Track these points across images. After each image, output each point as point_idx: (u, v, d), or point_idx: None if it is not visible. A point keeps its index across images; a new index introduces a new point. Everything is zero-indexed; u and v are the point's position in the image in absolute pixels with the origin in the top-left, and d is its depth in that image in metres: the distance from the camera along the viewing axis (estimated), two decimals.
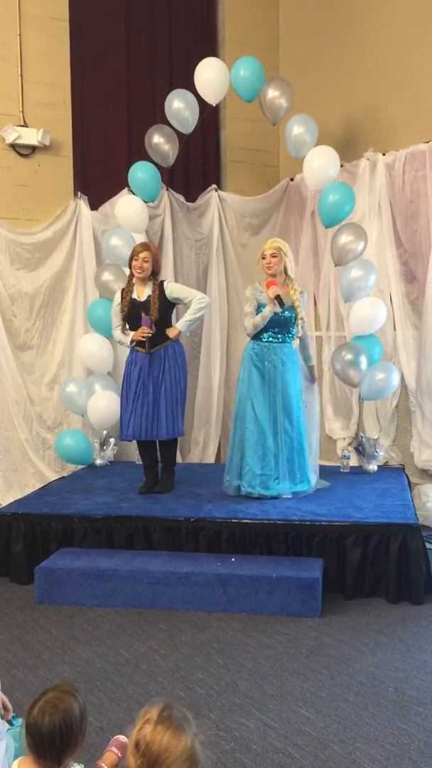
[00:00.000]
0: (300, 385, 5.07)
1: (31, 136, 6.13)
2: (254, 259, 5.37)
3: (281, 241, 5.06)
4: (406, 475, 5.72)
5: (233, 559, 4.34)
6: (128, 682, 3.35)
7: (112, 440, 6.26)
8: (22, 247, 6.21)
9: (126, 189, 6.39)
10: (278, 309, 4.89)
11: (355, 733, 2.88)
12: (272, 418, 4.95)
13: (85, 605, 4.22)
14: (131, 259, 5.14)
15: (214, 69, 5.98)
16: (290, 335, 4.99)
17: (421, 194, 5.82)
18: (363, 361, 5.50)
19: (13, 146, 6.17)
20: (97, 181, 6.56)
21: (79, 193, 6.47)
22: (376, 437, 5.97)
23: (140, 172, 6.12)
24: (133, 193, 6.23)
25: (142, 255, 5.07)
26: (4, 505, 5.45)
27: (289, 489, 4.95)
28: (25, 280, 6.25)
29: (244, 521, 4.52)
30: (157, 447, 5.35)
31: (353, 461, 5.95)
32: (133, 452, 6.18)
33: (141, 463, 5.51)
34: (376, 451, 5.77)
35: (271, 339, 4.99)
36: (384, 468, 5.92)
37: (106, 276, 6.04)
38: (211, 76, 5.96)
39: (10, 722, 2.36)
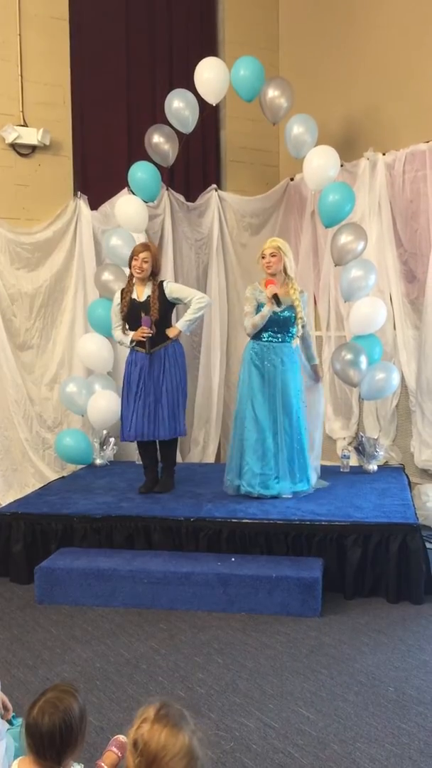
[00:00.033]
0: (300, 385, 5.07)
1: (31, 136, 6.13)
2: (254, 259, 5.37)
3: (281, 240, 5.06)
4: (406, 475, 5.72)
5: (233, 559, 4.34)
6: (128, 681, 3.35)
7: (111, 440, 6.26)
8: (22, 246, 6.21)
9: (126, 189, 6.39)
10: (276, 308, 4.89)
11: (355, 733, 2.88)
12: (272, 417, 4.95)
13: (85, 605, 4.21)
14: (131, 259, 5.14)
15: (214, 69, 5.98)
16: (290, 335, 4.99)
17: (421, 194, 5.82)
18: (363, 360, 5.50)
19: (13, 146, 6.17)
20: (97, 180, 6.56)
21: (79, 192, 6.47)
22: (376, 437, 5.97)
23: (140, 172, 6.12)
24: (133, 193, 6.23)
25: (141, 255, 5.07)
26: (4, 504, 5.45)
27: (288, 488, 4.95)
28: (25, 279, 6.25)
29: (244, 521, 4.52)
30: (157, 447, 5.35)
31: (353, 461, 5.95)
32: (132, 452, 6.18)
33: (141, 462, 5.51)
34: (376, 451, 5.77)
35: (270, 338, 4.99)
36: (384, 468, 5.92)
37: (106, 276, 6.04)
38: (211, 75, 5.96)
39: (10, 722, 2.36)
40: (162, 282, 5.19)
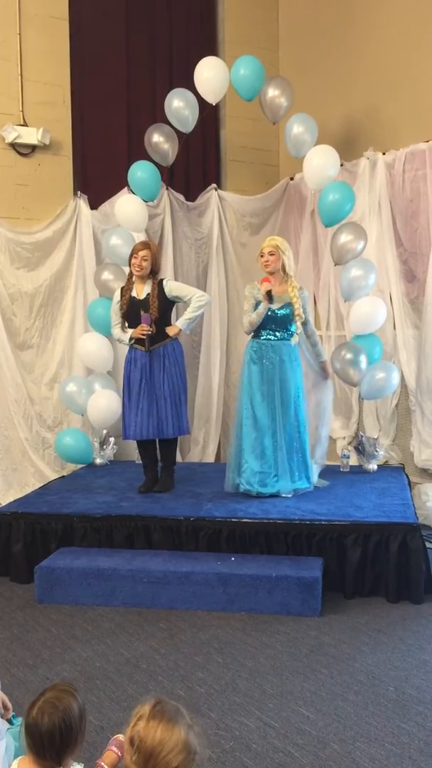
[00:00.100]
0: (301, 382, 5.07)
1: (30, 136, 6.13)
2: (254, 259, 5.37)
3: (279, 239, 5.07)
4: (406, 475, 5.72)
5: (233, 559, 4.34)
6: (128, 681, 3.35)
7: (111, 439, 6.26)
8: (22, 246, 6.21)
9: (126, 188, 6.39)
10: (269, 305, 4.89)
11: (355, 732, 2.88)
12: (271, 416, 4.95)
13: (85, 604, 4.21)
14: (131, 257, 5.15)
15: (214, 68, 5.98)
16: (289, 332, 4.99)
17: (421, 193, 5.81)
18: (363, 360, 5.50)
19: (13, 145, 6.17)
20: (97, 180, 6.56)
21: (79, 192, 6.47)
22: (376, 436, 5.97)
23: (140, 172, 6.12)
24: (133, 193, 6.23)
25: (141, 253, 5.08)
26: (4, 504, 5.45)
27: (287, 487, 4.95)
28: (25, 279, 6.25)
29: (244, 520, 4.52)
30: (157, 446, 5.35)
31: (353, 460, 5.95)
32: (132, 451, 6.18)
33: (141, 462, 5.51)
34: (376, 451, 5.77)
35: (269, 336, 5.00)
36: (384, 467, 5.92)
37: (106, 275, 6.04)
38: (210, 75, 5.96)
39: (10, 721, 2.36)
40: (162, 280, 5.19)
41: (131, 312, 5.12)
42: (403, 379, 5.96)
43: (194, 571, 4.17)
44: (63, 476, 6.01)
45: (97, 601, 4.22)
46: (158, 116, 6.32)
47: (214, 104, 6.12)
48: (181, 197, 6.88)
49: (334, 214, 5.70)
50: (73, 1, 6.37)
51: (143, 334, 5.04)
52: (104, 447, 6.24)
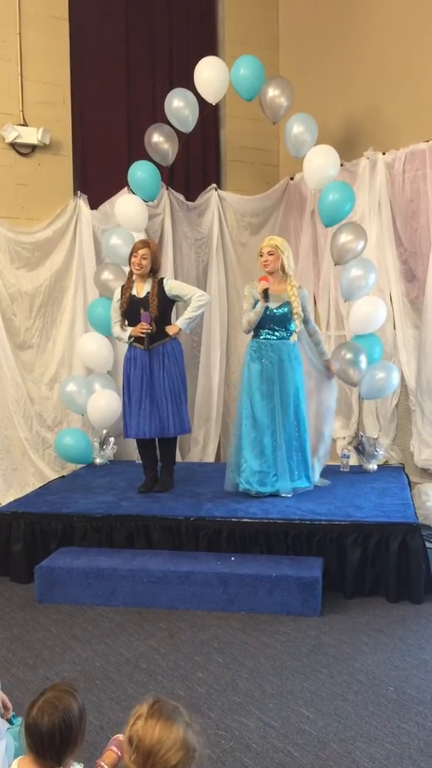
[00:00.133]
0: (302, 381, 5.07)
1: (30, 135, 6.13)
2: (254, 258, 5.37)
3: (279, 239, 5.07)
4: (406, 474, 5.72)
5: (233, 558, 4.34)
6: (128, 681, 3.35)
7: (111, 439, 6.27)
8: (22, 246, 6.21)
9: (126, 188, 6.39)
10: (265, 303, 4.90)
11: (355, 732, 2.88)
12: (270, 415, 4.95)
13: (85, 604, 4.22)
14: (130, 256, 5.16)
15: (214, 68, 5.98)
16: (288, 331, 4.99)
17: (421, 193, 5.81)
18: (363, 360, 5.50)
19: (13, 145, 6.17)
20: (97, 180, 6.56)
21: (79, 192, 6.47)
22: (375, 436, 5.98)
23: (140, 172, 6.12)
24: (133, 193, 6.23)
25: (141, 252, 5.08)
26: (4, 504, 5.45)
27: (287, 486, 4.95)
28: (25, 279, 6.25)
29: (244, 520, 4.52)
30: (156, 446, 5.35)
31: (353, 460, 5.95)
32: (132, 451, 6.18)
33: (141, 462, 5.51)
34: (376, 451, 5.77)
35: (268, 336, 5.00)
36: (384, 467, 5.92)
37: (106, 275, 6.04)
38: (210, 75, 5.96)
39: (10, 721, 2.36)
40: (162, 279, 5.19)
41: (131, 310, 5.12)
42: (403, 379, 5.96)
43: (194, 570, 4.17)
44: (63, 476, 6.01)
45: (97, 600, 4.22)
46: (158, 116, 6.32)
47: (214, 104, 6.12)
48: (181, 197, 6.88)
49: (334, 214, 5.70)
50: (73, 1, 6.37)
51: (143, 333, 5.04)
52: (104, 447, 6.24)
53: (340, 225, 5.70)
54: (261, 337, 5.02)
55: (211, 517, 4.60)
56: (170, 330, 5.13)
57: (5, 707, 2.37)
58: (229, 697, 3.18)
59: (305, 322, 5.06)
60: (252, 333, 5.07)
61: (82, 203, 6.43)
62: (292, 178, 7.03)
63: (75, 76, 6.44)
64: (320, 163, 5.80)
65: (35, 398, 6.34)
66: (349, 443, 6.35)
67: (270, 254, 4.94)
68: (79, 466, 6.21)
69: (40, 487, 5.64)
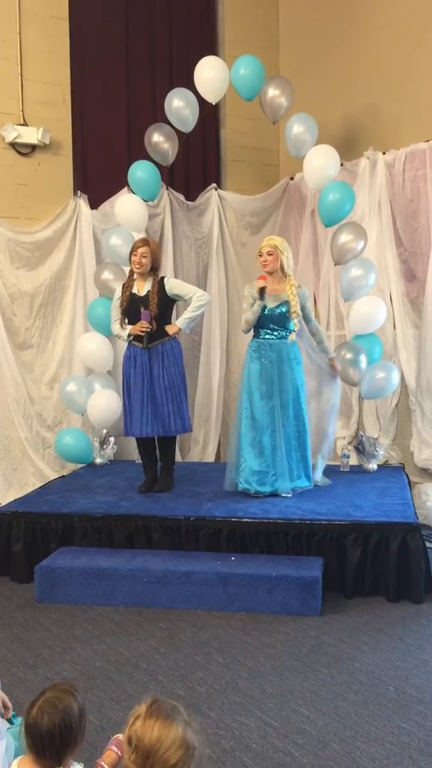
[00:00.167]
0: (302, 381, 5.07)
1: (30, 135, 6.13)
2: (254, 258, 5.37)
3: (278, 238, 5.07)
4: (406, 474, 5.72)
5: (233, 558, 4.34)
6: (128, 680, 3.35)
7: (111, 439, 6.27)
8: (22, 246, 6.21)
9: (126, 188, 6.39)
10: (265, 302, 4.89)
11: (355, 732, 2.88)
12: (269, 414, 4.95)
13: (85, 604, 4.21)
14: (131, 254, 5.16)
15: (214, 68, 5.98)
16: (288, 331, 4.99)
17: (421, 193, 5.82)
18: (363, 360, 5.50)
19: (13, 145, 6.17)
20: (97, 179, 6.56)
21: (79, 191, 6.47)
22: (376, 436, 5.98)
23: (140, 171, 6.12)
24: (133, 192, 6.23)
25: (140, 250, 5.08)
26: (4, 504, 5.45)
27: (286, 486, 4.95)
28: (25, 278, 6.25)
29: (244, 520, 4.52)
30: (156, 446, 5.35)
31: (353, 460, 5.95)
32: (132, 451, 6.18)
33: (141, 462, 5.51)
34: (376, 450, 5.77)
35: (267, 335, 5.01)
36: (384, 467, 5.92)
37: (106, 275, 6.04)
38: (211, 74, 5.96)
39: (10, 721, 2.36)
40: (163, 278, 5.20)
41: (131, 308, 5.12)
42: (403, 378, 5.96)
43: (194, 570, 4.17)
44: (63, 476, 6.01)
45: (97, 600, 4.22)
46: (158, 116, 6.32)
47: (214, 104, 6.13)
48: (181, 197, 6.88)
49: (334, 214, 5.70)
50: (73, 1, 6.37)
51: (142, 332, 5.04)
52: (104, 446, 6.24)
53: (340, 225, 5.70)
54: (260, 337, 5.02)
55: (211, 516, 4.60)
56: (170, 329, 5.13)
57: (5, 707, 2.37)
58: (229, 697, 3.18)
59: (307, 321, 5.07)
60: (252, 333, 5.07)
61: (82, 203, 6.43)
62: (292, 178, 7.03)
63: (75, 76, 6.44)
64: (320, 163, 5.80)
65: (35, 398, 6.34)
66: (349, 443, 6.35)
67: (269, 254, 4.94)
68: (79, 465, 6.21)
69: (40, 487, 5.64)
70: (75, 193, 6.47)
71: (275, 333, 4.99)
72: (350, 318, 5.82)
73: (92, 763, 2.15)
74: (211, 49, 6.93)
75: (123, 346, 5.45)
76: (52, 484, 5.69)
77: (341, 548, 4.34)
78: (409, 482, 5.52)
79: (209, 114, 6.51)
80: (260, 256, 4.99)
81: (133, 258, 5.11)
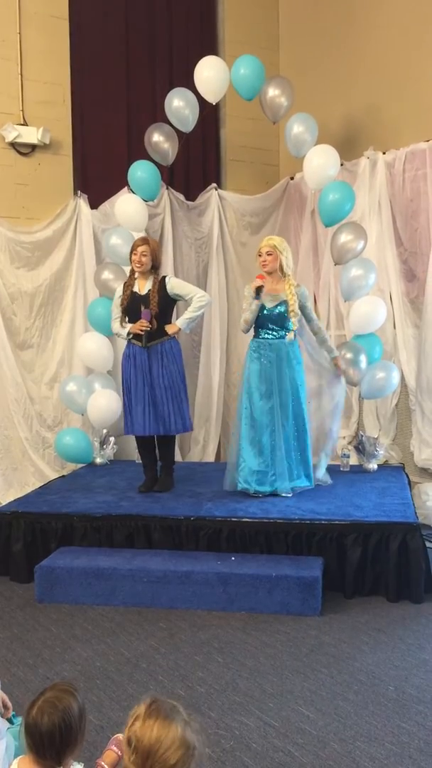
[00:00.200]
0: (302, 380, 5.06)
1: (30, 135, 6.13)
2: (254, 258, 5.37)
3: (277, 238, 5.07)
4: (406, 474, 5.72)
5: (233, 558, 4.34)
6: (128, 680, 3.35)
7: (111, 439, 6.27)
8: (22, 245, 6.21)
9: (126, 188, 6.39)
10: (263, 302, 4.90)
11: (355, 732, 2.88)
12: (269, 414, 4.95)
13: (85, 604, 4.22)
14: (131, 253, 5.16)
15: (214, 67, 5.98)
16: (288, 331, 4.99)
17: (422, 193, 5.82)
18: (363, 359, 5.50)
19: (13, 145, 6.17)
20: (97, 179, 6.56)
21: (79, 191, 6.47)
22: (376, 436, 5.97)
23: (140, 171, 6.12)
24: (133, 192, 6.23)
25: (140, 249, 5.09)
26: (4, 503, 5.45)
27: (286, 486, 4.95)
28: (25, 278, 6.25)
29: (244, 520, 4.52)
30: (156, 445, 5.35)
31: (353, 460, 5.95)
32: (132, 451, 6.18)
33: (141, 461, 5.51)
34: (376, 450, 5.77)
35: (266, 335, 5.01)
36: (384, 467, 5.92)
37: (106, 275, 6.04)
38: (211, 74, 5.96)
39: (10, 720, 2.36)
40: (164, 277, 5.20)
41: (132, 307, 5.12)
42: (403, 378, 5.96)
43: (194, 570, 4.17)
44: (63, 476, 6.01)
45: (97, 600, 4.22)
46: (158, 116, 6.32)
47: (214, 104, 6.13)
48: (181, 197, 6.88)
49: (334, 214, 5.70)
50: (73, 1, 6.37)
51: (142, 330, 5.04)
52: (104, 446, 6.24)
53: (340, 225, 5.70)
54: (260, 337, 5.02)
55: (211, 516, 4.60)
56: (169, 329, 5.13)
57: (5, 707, 2.37)
58: (230, 697, 3.18)
59: (308, 320, 5.07)
60: (252, 333, 5.08)
61: (82, 203, 6.43)
62: (292, 178, 7.03)
63: (75, 76, 6.44)
64: (320, 163, 5.80)
65: (35, 398, 6.34)
66: (350, 443, 6.35)
67: (268, 254, 4.94)
68: (79, 465, 6.21)
69: (40, 487, 5.64)
70: (75, 193, 6.47)
71: (274, 333, 4.99)
72: (350, 318, 5.82)
73: (92, 763, 2.15)
74: (211, 49, 6.93)
75: (123, 345, 5.45)
76: (52, 484, 5.69)
77: (341, 548, 4.34)
78: (409, 482, 5.52)
79: (209, 114, 6.51)
80: (259, 256, 5.00)
81: (133, 257, 5.12)
